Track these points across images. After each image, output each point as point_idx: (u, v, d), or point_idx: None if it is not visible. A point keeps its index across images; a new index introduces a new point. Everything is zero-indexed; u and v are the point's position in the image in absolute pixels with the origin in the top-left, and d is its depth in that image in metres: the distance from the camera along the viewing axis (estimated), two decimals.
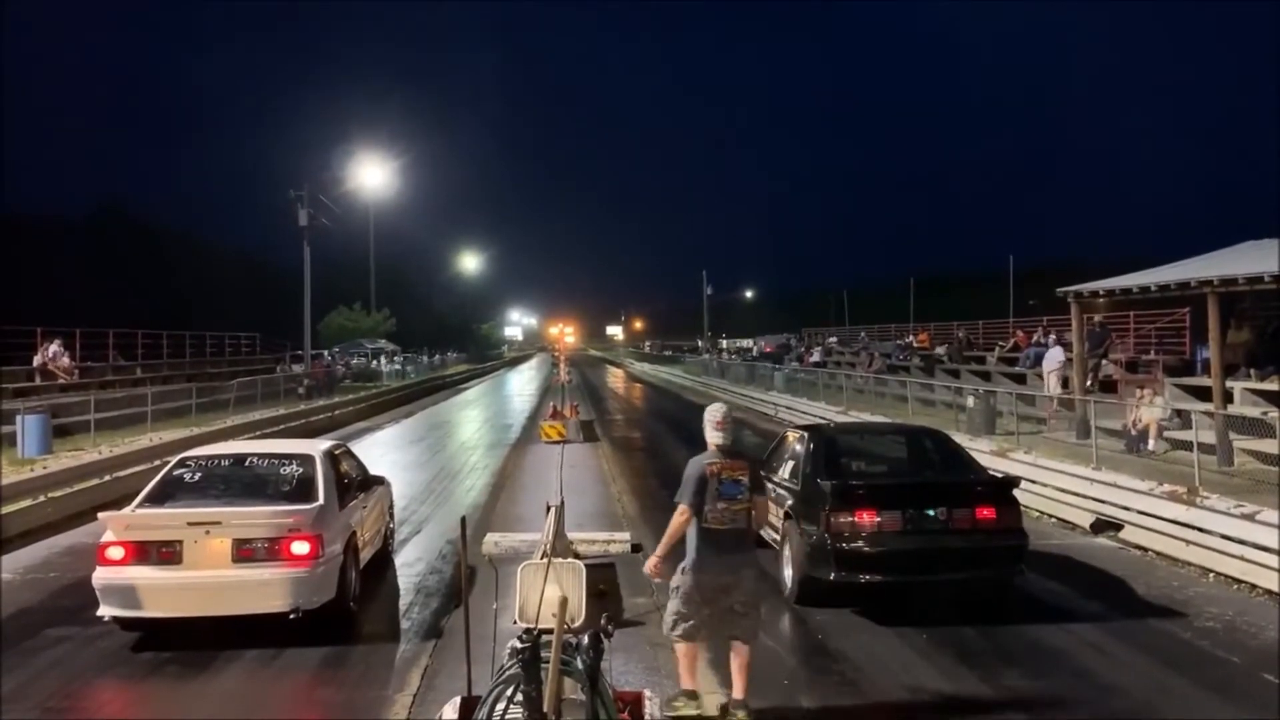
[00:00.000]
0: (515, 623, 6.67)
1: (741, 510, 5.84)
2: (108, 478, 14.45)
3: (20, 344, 26.42)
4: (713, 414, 6.06)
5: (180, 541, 7.35)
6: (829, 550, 8.09)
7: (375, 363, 50.51)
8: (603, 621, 6.42)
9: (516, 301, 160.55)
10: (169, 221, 75.68)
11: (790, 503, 9.02)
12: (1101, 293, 17.38)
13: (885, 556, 8.09)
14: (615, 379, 63.84)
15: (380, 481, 10.50)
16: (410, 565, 10.54)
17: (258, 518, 7.56)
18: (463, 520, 5.25)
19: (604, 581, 9.12)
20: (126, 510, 7.84)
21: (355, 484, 9.39)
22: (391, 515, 11.05)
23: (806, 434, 9.98)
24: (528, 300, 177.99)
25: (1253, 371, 15.62)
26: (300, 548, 7.44)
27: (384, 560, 10.34)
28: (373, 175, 45.02)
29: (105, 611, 7.43)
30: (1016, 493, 8.74)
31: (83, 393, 22.26)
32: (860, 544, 8.07)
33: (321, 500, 8.05)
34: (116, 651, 7.52)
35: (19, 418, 16.84)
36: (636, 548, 7.24)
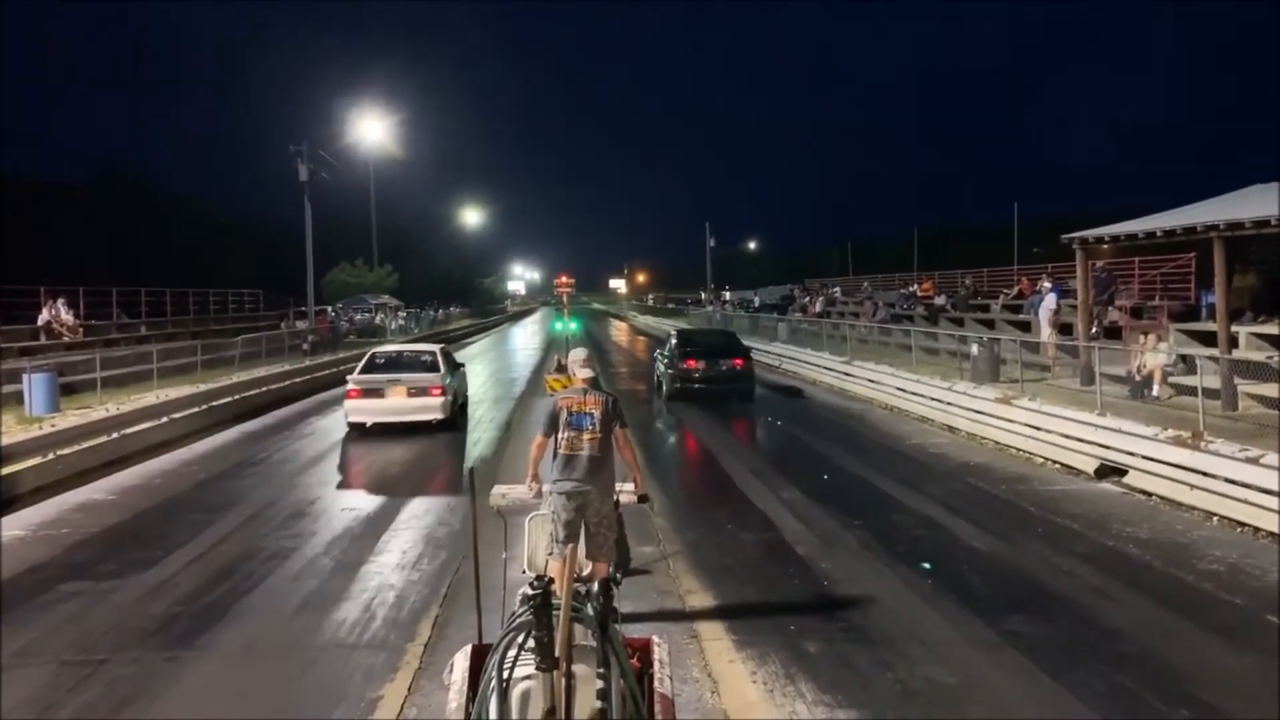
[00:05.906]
0: (524, 572, 6.72)
1: (592, 438, 6.49)
2: (115, 435, 14.53)
3: (25, 303, 26.43)
4: (576, 355, 7.18)
5: (383, 387, 16.40)
6: (678, 376, 20.86)
7: (379, 318, 50.51)
8: (611, 569, 6.50)
9: (519, 256, 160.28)
10: (171, 181, 75.18)
11: (667, 359, 21.99)
12: (1106, 239, 17.20)
13: (698, 378, 20.68)
14: (619, 332, 63.79)
15: (462, 365, 20.26)
16: (419, 518, 10.63)
17: (417, 379, 16.67)
18: (470, 472, 5.29)
19: None
20: (356, 374, 16.81)
21: (454, 364, 18.76)
22: (465, 384, 20.03)
23: (675, 332, 24.34)
24: (531, 255, 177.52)
25: (1260, 317, 15.54)
26: (436, 392, 16.52)
27: (463, 406, 19.13)
28: (374, 130, 44.48)
29: (351, 420, 16.37)
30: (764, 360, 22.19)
31: (88, 351, 22.25)
32: (690, 373, 20.68)
33: (443, 370, 17.15)
34: (130, 605, 7.63)
35: (26, 376, 16.89)
36: (643, 498, 7.28)
